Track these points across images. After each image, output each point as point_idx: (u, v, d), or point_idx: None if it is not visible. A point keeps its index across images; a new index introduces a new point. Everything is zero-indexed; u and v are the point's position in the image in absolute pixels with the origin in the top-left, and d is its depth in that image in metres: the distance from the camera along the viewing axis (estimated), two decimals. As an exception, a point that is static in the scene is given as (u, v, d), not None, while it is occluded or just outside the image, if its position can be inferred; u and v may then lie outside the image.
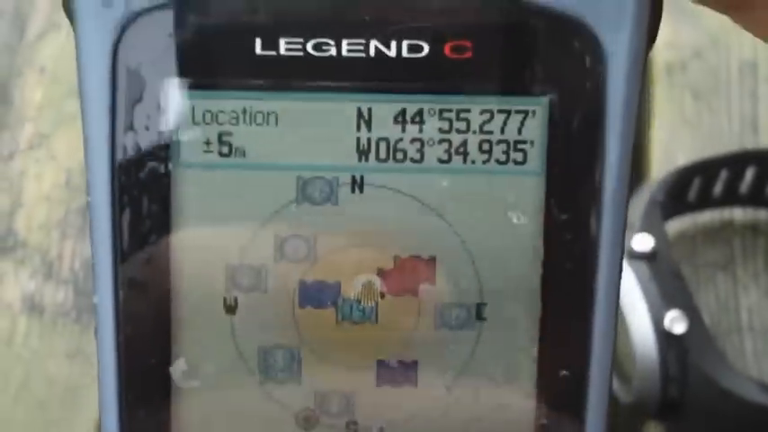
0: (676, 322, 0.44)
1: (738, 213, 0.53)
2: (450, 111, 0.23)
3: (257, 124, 0.23)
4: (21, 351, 0.49)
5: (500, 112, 0.23)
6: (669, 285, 0.44)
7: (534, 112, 0.23)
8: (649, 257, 0.45)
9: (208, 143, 0.23)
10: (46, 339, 0.50)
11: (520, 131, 0.23)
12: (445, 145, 0.23)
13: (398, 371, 0.24)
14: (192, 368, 0.24)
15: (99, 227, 0.23)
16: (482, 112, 0.23)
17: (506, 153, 0.23)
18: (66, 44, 0.58)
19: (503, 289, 0.24)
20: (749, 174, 0.51)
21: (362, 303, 0.24)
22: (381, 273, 0.24)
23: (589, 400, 0.23)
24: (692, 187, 0.50)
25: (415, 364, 0.24)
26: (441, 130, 0.23)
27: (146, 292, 0.23)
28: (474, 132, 0.23)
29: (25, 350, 0.50)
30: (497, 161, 0.23)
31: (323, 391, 0.24)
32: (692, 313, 0.44)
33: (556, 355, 0.24)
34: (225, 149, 0.23)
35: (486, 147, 0.23)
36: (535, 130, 0.23)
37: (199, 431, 0.24)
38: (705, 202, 0.51)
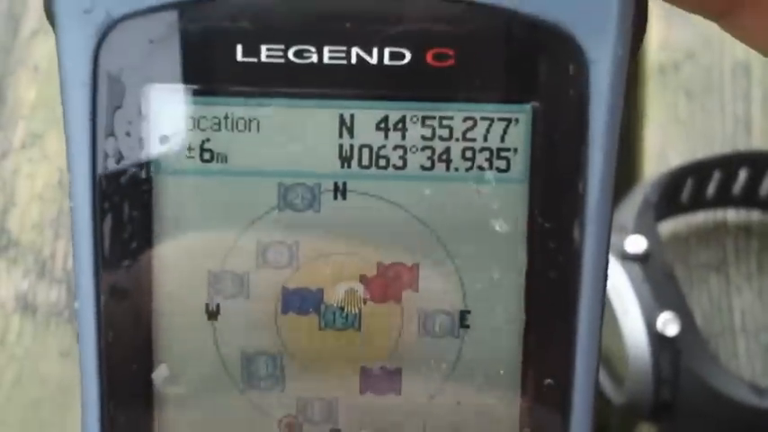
0: (669, 324, 0.44)
1: (731, 214, 0.53)
2: (432, 118, 0.23)
3: (239, 130, 0.23)
4: (14, 350, 0.49)
5: (483, 119, 0.23)
6: (662, 287, 0.44)
7: (517, 120, 0.23)
8: (642, 259, 0.45)
9: (189, 149, 0.23)
10: (39, 339, 0.50)
11: (503, 139, 0.23)
12: (428, 152, 0.23)
13: (382, 378, 0.24)
14: (175, 374, 0.24)
15: (80, 232, 0.23)
16: (465, 119, 0.23)
17: (489, 161, 0.23)
18: (59, 43, 0.58)
19: (486, 296, 0.24)
20: (742, 175, 0.51)
21: (345, 310, 0.24)
22: (364, 279, 0.24)
23: (574, 408, 0.23)
24: (685, 188, 0.50)
25: (398, 371, 0.24)
26: (423, 138, 0.23)
27: (127, 299, 0.23)
28: (457, 140, 0.23)
29: (18, 349, 0.49)
30: (480, 168, 0.23)
31: (305, 398, 0.24)
32: (685, 315, 0.44)
33: (540, 363, 0.24)
34: (206, 156, 0.23)
35: (469, 154, 0.23)
36: (518, 137, 0.23)
37: None
38: (698, 203, 0.51)
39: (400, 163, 0.23)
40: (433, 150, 0.23)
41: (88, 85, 0.23)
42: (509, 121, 0.23)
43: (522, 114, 0.23)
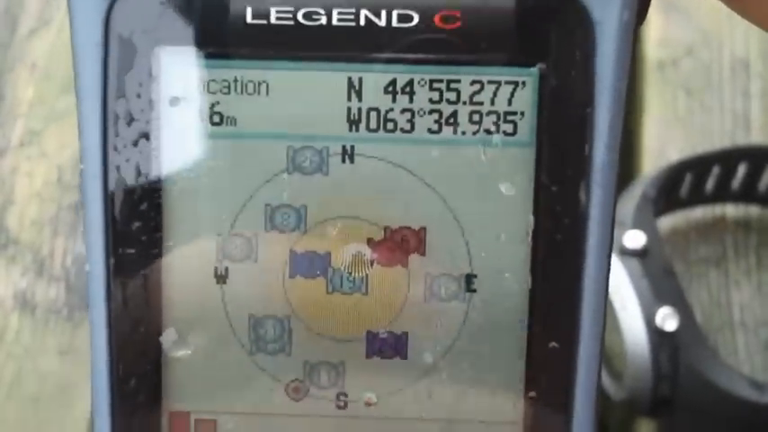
0: (668, 319, 0.44)
1: (730, 210, 0.53)
2: (440, 81, 0.23)
3: (248, 93, 0.23)
4: (12, 348, 0.49)
5: (490, 82, 0.23)
6: (661, 282, 0.44)
7: (524, 83, 0.23)
8: (641, 254, 0.45)
9: (199, 112, 0.23)
10: (38, 336, 0.50)
11: (510, 102, 0.23)
12: (435, 115, 0.23)
13: (388, 342, 0.24)
14: (183, 338, 0.24)
15: (91, 193, 0.23)
16: (472, 82, 0.23)
17: (496, 124, 0.23)
18: (57, 41, 0.58)
19: (493, 260, 0.24)
20: (741, 170, 0.51)
21: (352, 274, 0.24)
22: (371, 243, 0.24)
23: (579, 372, 0.23)
24: (684, 183, 0.50)
25: (405, 335, 0.24)
26: (431, 101, 0.23)
27: (137, 262, 0.23)
28: (464, 103, 0.23)
29: (17, 347, 0.49)
30: (487, 132, 0.23)
31: (312, 363, 0.24)
32: (684, 310, 0.44)
33: (546, 326, 0.24)
34: (216, 119, 0.23)
35: (476, 118, 0.23)
36: (525, 100, 0.23)
37: (188, 400, 0.24)
38: (697, 198, 0.51)
39: (408, 126, 0.23)
40: (441, 114, 0.23)
41: (100, 47, 0.23)
42: (516, 84, 0.23)
43: (529, 77, 0.23)
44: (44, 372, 0.49)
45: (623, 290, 0.44)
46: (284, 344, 0.24)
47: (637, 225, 0.46)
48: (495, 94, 0.23)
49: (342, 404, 0.24)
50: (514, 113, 0.23)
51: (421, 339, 0.24)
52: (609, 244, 0.23)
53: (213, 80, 0.23)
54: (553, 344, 0.24)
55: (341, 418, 0.24)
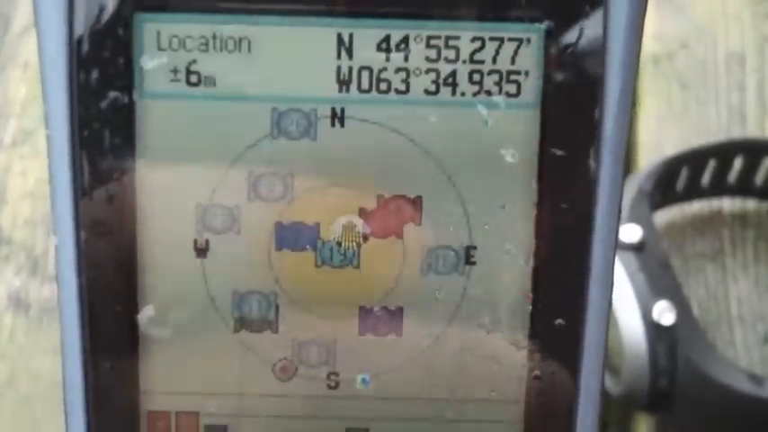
0: (665, 313, 0.43)
1: (727, 203, 0.53)
2: (438, 38, 0.22)
3: (228, 51, 0.22)
4: (6, 348, 0.49)
5: (492, 39, 0.22)
6: (657, 276, 0.44)
7: (529, 41, 0.22)
8: (637, 248, 0.45)
9: (174, 72, 0.22)
10: (31, 336, 0.50)
11: (513, 61, 0.22)
12: (432, 75, 0.22)
13: (382, 318, 0.23)
14: (161, 316, 0.23)
15: (58, 162, 0.22)
16: (473, 39, 0.22)
17: (498, 84, 0.22)
18: (50, 39, 0.58)
19: (494, 231, 0.22)
20: (737, 163, 0.51)
21: (343, 246, 0.22)
22: (363, 213, 0.22)
23: (585, 349, 0.22)
24: (680, 177, 0.50)
25: (399, 311, 0.23)
26: (428, 59, 0.22)
27: (109, 234, 0.22)
28: (464, 62, 0.22)
29: (11, 347, 0.49)
30: (489, 93, 0.22)
31: (301, 341, 0.23)
32: (681, 304, 0.44)
33: (550, 301, 0.22)
34: (193, 79, 0.22)
35: (476, 77, 0.22)
36: (530, 59, 0.22)
37: (168, 383, 0.23)
38: (693, 192, 0.51)
39: (402, 87, 0.22)
40: (438, 73, 0.22)
41: (64, 3, 0.21)
42: (520, 41, 0.22)
43: (534, 34, 0.22)
44: (38, 371, 0.49)
45: (620, 284, 0.44)
46: (270, 321, 0.23)
47: (633, 219, 0.45)
48: (497, 53, 0.22)
49: (333, 384, 0.23)
50: (518, 73, 0.22)
51: (417, 315, 0.23)
52: (617, 214, 0.22)
53: (189, 36, 0.22)
54: (559, 320, 0.22)
55: (332, 399, 0.23)
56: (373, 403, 0.23)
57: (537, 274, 0.22)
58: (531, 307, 0.22)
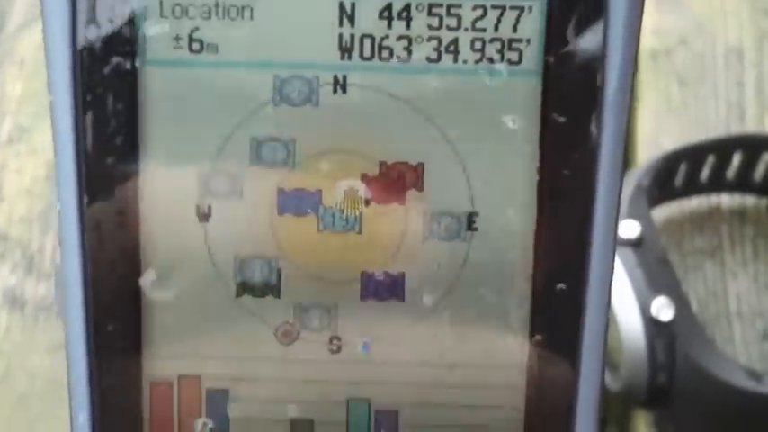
0: (663, 309, 0.43)
1: (726, 200, 0.53)
2: (439, 6, 0.22)
3: (231, 18, 0.22)
4: (1, 345, 0.49)
5: (494, 7, 0.22)
6: (656, 272, 0.44)
7: (530, 8, 0.22)
8: (635, 244, 0.44)
9: (177, 39, 0.22)
10: (27, 334, 0.49)
11: (515, 29, 0.22)
12: (434, 43, 0.22)
13: (384, 284, 0.23)
14: (164, 279, 0.23)
15: (61, 128, 0.22)
16: (474, 7, 0.22)
17: (500, 52, 0.22)
18: (46, 36, 0.57)
19: (496, 197, 0.22)
20: (736, 159, 0.51)
21: (345, 211, 0.23)
22: (365, 179, 0.22)
23: (587, 315, 0.22)
24: (679, 173, 0.50)
25: (401, 276, 0.23)
26: (430, 27, 0.22)
27: (111, 198, 0.22)
28: (465, 29, 0.22)
29: (6, 344, 0.49)
30: (490, 60, 0.22)
31: (303, 305, 0.23)
32: (680, 300, 0.44)
33: (552, 267, 0.22)
34: (196, 46, 0.22)
35: (478, 45, 0.22)
36: (531, 27, 0.22)
37: (170, 345, 0.23)
38: (692, 188, 0.51)
39: (404, 54, 0.22)
40: (440, 41, 0.22)
41: None
42: (521, 9, 0.22)
43: (536, 2, 0.22)
44: (33, 369, 0.48)
45: (618, 280, 0.44)
46: (273, 285, 0.23)
47: (631, 215, 0.45)
48: (498, 20, 0.22)
49: (335, 348, 0.23)
50: (519, 41, 0.22)
51: (419, 281, 0.23)
52: (619, 181, 0.22)
53: (192, 4, 0.22)
54: (560, 285, 0.22)
55: (334, 363, 0.23)
56: (375, 368, 0.23)
57: (539, 239, 0.22)
58: (532, 272, 0.23)
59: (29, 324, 0.50)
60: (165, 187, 0.22)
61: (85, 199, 0.22)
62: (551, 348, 0.23)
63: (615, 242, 0.22)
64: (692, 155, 0.50)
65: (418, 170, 0.22)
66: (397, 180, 0.23)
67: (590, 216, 0.22)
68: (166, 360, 0.23)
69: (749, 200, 0.52)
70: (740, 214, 0.52)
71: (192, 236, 0.23)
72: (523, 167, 0.22)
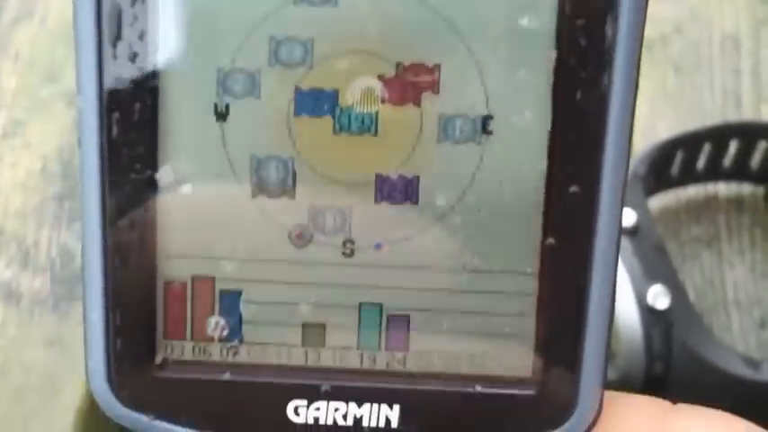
0: (660, 297, 0.43)
1: (722, 188, 0.52)
2: None
3: None
4: (-3, 340, 0.49)
5: None
6: (652, 260, 0.44)
7: None
8: (631, 232, 0.44)
9: None
10: (23, 328, 0.49)
11: None
12: None
13: (398, 186, 0.23)
14: (181, 177, 0.23)
15: (82, 21, 0.22)
16: None
17: None
18: (40, 30, 0.57)
19: (511, 100, 0.22)
20: (732, 147, 0.50)
21: (361, 112, 0.22)
22: (382, 80, 0.22)
23: (600, 214, 0.22)
24: (675, 161, 0.50)
25: (416, 179, 0.23)
26: None
27: (130, 93, 0.22)
28: None
29: (2, 339, 0.49)
30: None
31: (318, 207, 0.23)
32: (676, 288, 0.43)
33: (566, 170, 0.22)
34: None
35: None
36: None
37: (185, 241, 0.23)
38: (688, 176, 0.51)
39: None
40: None
41: None
42: None
43: None
44: (29, 363, 0.48)
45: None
46: (287, 186, 0.23)
47: (627, 203, 0.45)
48: None
49: (348, 251, 0.23)
50: None
51: (433, 183, 0.23)
52: (635, 80, 0.22)
53: None
54: (573, 188, 0.22)
55: (347, 267, 0.23)
56: (387, 272, 0.23)
57: (553, 142, 0.22)
58: (546, 175, 0.22)
59: (24, 318, 0.50)
60: (182, 85, 0.22)
61: (105, 93, 0.22)
62: (563, 252, 0.23)
63: (630, 145, 0.22)
64: (689, 143, 0.50)
65: (434, 72, 0.22)
66: (413, 81, 0.22)
67: (605, 117, 0.22)
68: (180, 260, 0.23)
69: (746, 188, 0.52)
70: (737, 203, 0.52)
71: (210, 135, 0.23)
72: (540, 69, 0.22)
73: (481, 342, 0.24)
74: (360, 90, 0.22)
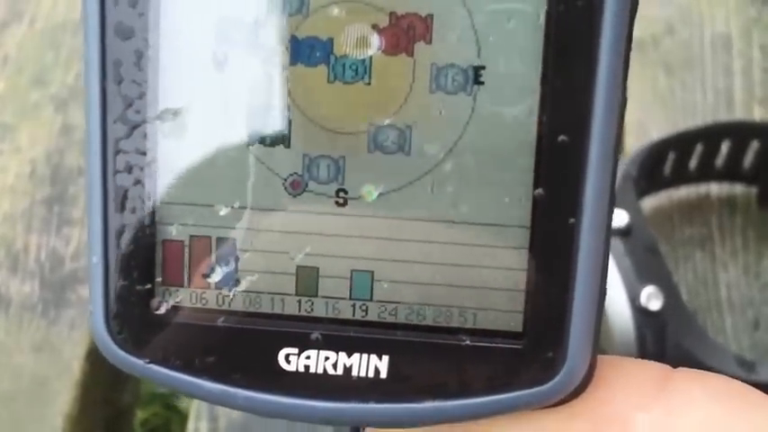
0: (652, 298, 0.43)
1: (714, 189, 0.52)
2: None
3: None
4: (-14, 345, 0.49)
5: None
6: (644, 261, 0.44)
7: None
8: (624, 233, 0.44)
9: None
10: (12, 333, 0.49)
11: None
12: None
13: (391, 136, 0.23)
14: (178, 123, 0.23)
15: None
16: None
17: None
18: (29, 34, 0.57)
19: (503, 51, 0.22)
20: (724, 147, 0.50)
21: (355, 61, 0.23)
22: (376, 29, 0.23)
23: (590, 164, 0.22)
24: (667, 162, 0.50)
25: (408, 129, 0.23)
26: None
27: (131, 39, 0.23)
28: None
29: (-9, 344, 0.49)
30: None
31: (311, 156, 0.23)
32: (669, 289, 0.43)
33: (556, 118, 0.22)
34: None
35: None
36: None
37: (182, 189, 0.24)
38: (681, 176, 0.51)
39: None
40: None
41: None
42: None
43: None
44: (18, 368, 0.48)
45: (606, 270, 0.44)
46: (283, 135, 0.23)
47: (619, 204, 0.45)
48: None
49: (341, 201, 0.23)
50: None
51: (425, 133, 0.23)
52: (627, 29, 0.22)
53: None
54: (562, 137, 0.22)
55: (340, 216, 0.24)
56: (380, 222, 0.24)
57: (544, 91, 0.22)
58: (537, 126, 0.22)
59: (14, 323, 0.49)
60: (180, 34, 0.23)
61: (107, 39, 0.23)
62: (554, 203, 0.23)
63: (621, 94, 0.22)
64: (680, 143, 0.50)
65: (427, 22, 0.23)
66: (406, 31, 0.23)
67: (594, 65, 0.22)
68: (178, 207, 0.24)
69: (738, 189, 0.52)
70: (729, 204, 0.52)
71: (207, 83, 0.23)
72: (531, 20, 0.22)
73: (471, 295, 0.24)
74: (354, 39, 0.23)
